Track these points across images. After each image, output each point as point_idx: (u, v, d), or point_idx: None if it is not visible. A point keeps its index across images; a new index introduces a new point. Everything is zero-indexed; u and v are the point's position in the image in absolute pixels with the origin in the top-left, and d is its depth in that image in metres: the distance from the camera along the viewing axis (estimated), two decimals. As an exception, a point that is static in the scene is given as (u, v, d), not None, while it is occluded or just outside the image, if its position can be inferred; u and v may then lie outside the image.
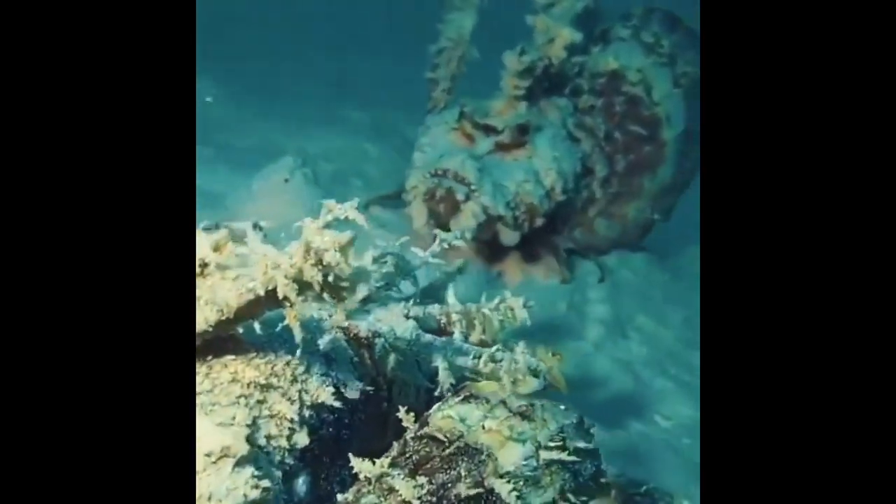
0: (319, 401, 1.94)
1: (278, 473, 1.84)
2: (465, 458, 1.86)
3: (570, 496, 1.92)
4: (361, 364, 2.15)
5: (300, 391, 1.91)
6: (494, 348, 2.17)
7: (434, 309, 2.41)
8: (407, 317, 2.24)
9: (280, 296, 1.68)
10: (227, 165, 4.86)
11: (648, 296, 4.74)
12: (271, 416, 1.86)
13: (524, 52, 4.25)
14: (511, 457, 1.88)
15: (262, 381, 1.86)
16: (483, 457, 1.86)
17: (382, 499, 1.79)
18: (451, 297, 2.49)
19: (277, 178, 4.49)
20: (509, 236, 4.24)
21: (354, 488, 1.82)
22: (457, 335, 2.30)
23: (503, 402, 1.96)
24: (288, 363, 1.92)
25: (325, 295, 1.69)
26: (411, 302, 2.37)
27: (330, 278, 1.67)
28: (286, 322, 1.73)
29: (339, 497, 1.84)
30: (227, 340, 1.86)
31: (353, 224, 1.70)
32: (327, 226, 1.67)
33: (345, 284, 1.69)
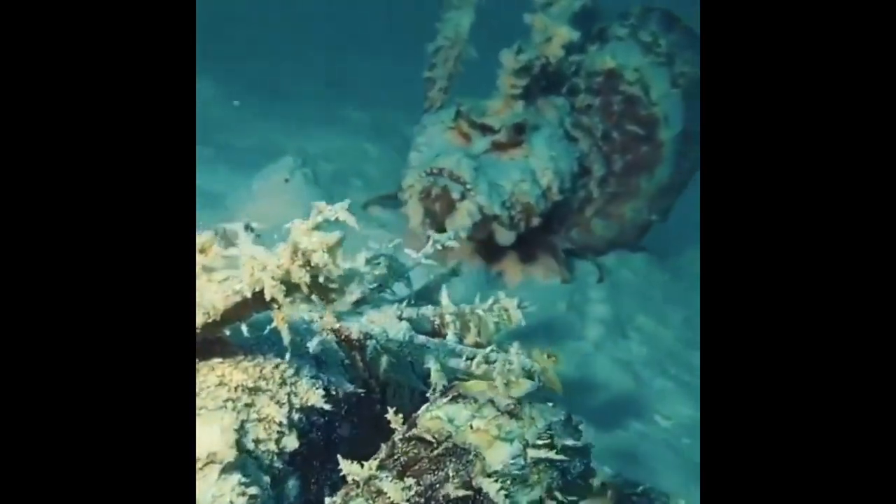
0: (309, 404, 1.92)
1: (267, 478, 1.82)
2: (453, 459, 1.85)
3: (558, 494, 1.92)
4: (353, 366, 2.14)
5: (289, 394, 1.90)
6: (489, 349, 2.15)
7: (427, 310, 2.40)
8: (400, 318, 2.22)
9: (267, 297, 1.67)
10: (227, 165, 4.86)
11: (648, 296, 4.73)
12: (259, 420, 1.84)
13: (521, 51, 4.23)
14: (499, 456, 1.87)
15: (250, 385, 1.84)
16: (471, 457, 1.86)
17: (371, 502, 1.78)
18: (444, 298, 2.47)
19: (277, 178, 4.49)
20: (505, 236, 4.22)
21: (342, 491, 1.81)
22: (450, 336, 2.28)
23: (491, 402, 1.95)
24: (277, 366, 1.91)
25: (314, 296, 1.68)
26: (405, 303, 2.36)
27: (320, 279, 1.65)
28: (274, 324, 1.71)
29: (328, 500, 1.83)
30: (214, 343, 1.85)
31: (344, 225, 1.69)
32: (318, 227, 1.65)
33: (333, 286, 1.68)
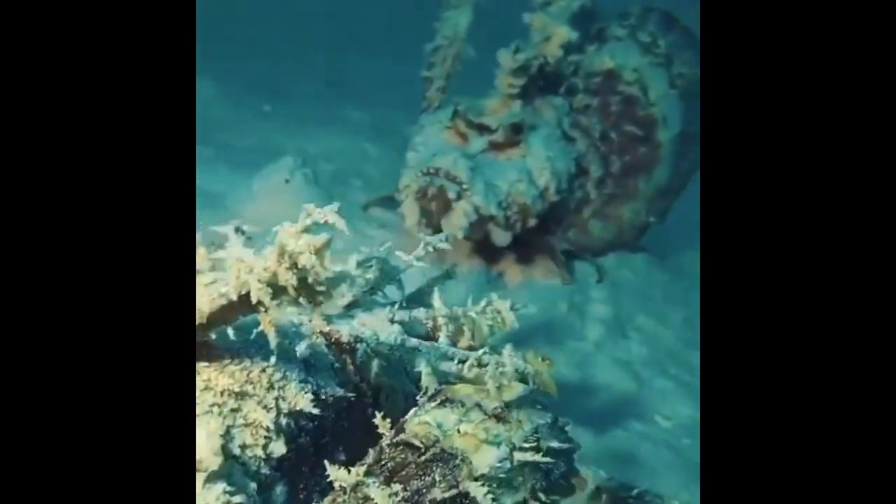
0: (297, 408, 1.91)
1: (253, 485, 1.80)
2: (440, 464, 1.84)
3: (542, 495, 1.92)
4: (343, 370, 2.12)
5: (277, 398, 1.88)
6: (481, 352, 2.13)
7: (420, 313, 2.38)
8: (392, 321, 2.21)
9: (253, 300, 1.65)
10: (227, 165, 4.86)
11: (649, 296, 4.72)
12: (246, 425, 1.82)
13: (519, 50, 4.22)
14: (486, 459, 1.86)
15: (237, 389, 1.82)
16: (457, 461, 1.85)
17: (358, 508, 1.77)
18: (437, 300, 2.45)
19: (278, 179, 4.49)
20: (501, 236, 4.20)
21: (329, 498, 1.81)
22: (442, 339, 2.26)
23: (479, 405, 1.94)
24: (264, 370, 1.89)
25: (301, 299, 1.66)
26: (396, 306, 2.34)
27: (309, 280, 1.64)
28: (261, 327, 1.70)
29: None
30: (200, 347, 1.83)
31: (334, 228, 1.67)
32: (307, 230, 1.63)
33: (321, 288, 1.66)
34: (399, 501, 1.78)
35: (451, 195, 3.97)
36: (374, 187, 5.03)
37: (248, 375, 1.86)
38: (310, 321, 2.06)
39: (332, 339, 2.13)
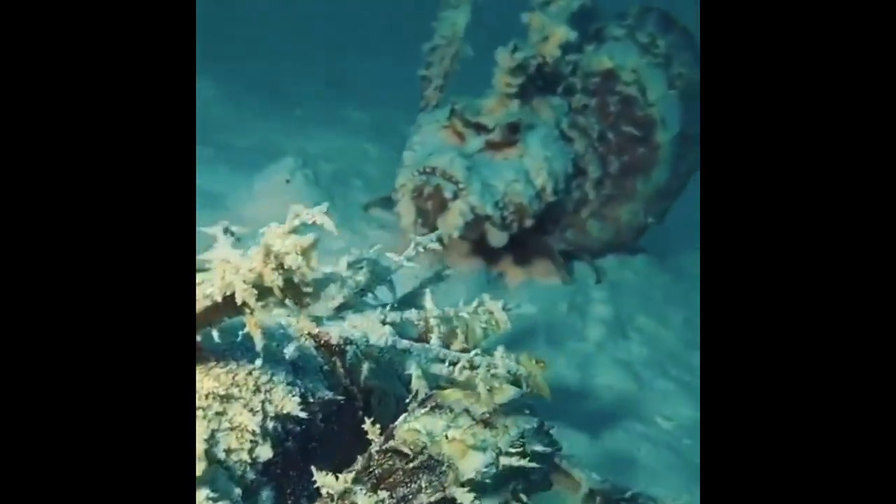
0: (285, 411, 1.88)
1: (238, 490, 1.78)
2: (427, 471, 1.83)
3: (522, 496, 1.93)
4: (332, 373, 2.09)
5: (263, 402, 1.85)
6: (472, 353, 2.11)
7: (412, 314, 2.35)
8: (384, 323, 2.18)
9: (238, 301, 1.62)
10: (227, 165, 4.88)
11: (649, 296, 4.73)
12: (231, 429, 1.80)
13: (517, 50, 4.21)
14: (472, 465, 1.86)
15: (222, 392, 1.79)
16: (444, 468, 1.84)
17: (345, 515, 1.76)
18: (428, 301, 2.43)
19: (278, 179, 4.52)
20: (497, 237, 4.19)
21: (317, 504, 1.79)
22: (434, 341, 2.24)
23: (467, 411, 1.92)
24: (250, 372, 1.86)
25: (288, 300, 1.64)
26: (388, 308, 2.32)
27: (296, 281, 1.61)
28: (247, 329, 1.67)
29: None
30: (185, 349, 1.82)
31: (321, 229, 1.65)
32: (294, 230, 1.61)
33: (308, 289, 1.63)
34: (386, 508, 1.76)
35: (448, 194, 3.96)
36: (374, 187, 5.03)
37: (233, 378, 1.83)
38: (297, 323, 2.03)
39: (322, 342, 2.10)
